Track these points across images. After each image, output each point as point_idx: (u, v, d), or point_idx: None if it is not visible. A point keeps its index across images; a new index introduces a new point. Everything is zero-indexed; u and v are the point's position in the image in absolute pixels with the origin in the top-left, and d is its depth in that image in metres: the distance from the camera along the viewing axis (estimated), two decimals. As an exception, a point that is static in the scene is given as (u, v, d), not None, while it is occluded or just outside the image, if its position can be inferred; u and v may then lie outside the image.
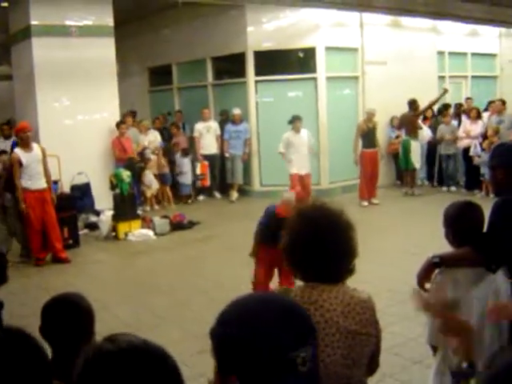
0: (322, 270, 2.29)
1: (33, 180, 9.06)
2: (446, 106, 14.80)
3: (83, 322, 2.55)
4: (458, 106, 15.29)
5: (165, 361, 1.37)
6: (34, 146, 9.22)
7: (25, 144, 9.06)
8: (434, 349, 3.32)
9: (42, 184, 9.17)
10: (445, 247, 3.44)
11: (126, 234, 10.65)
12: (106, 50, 12.48)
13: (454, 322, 2.35)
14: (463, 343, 2.30)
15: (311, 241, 2.27)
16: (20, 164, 8.94)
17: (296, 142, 11.85)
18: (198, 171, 13.93)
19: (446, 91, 13.73)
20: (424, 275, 3.30)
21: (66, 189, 11.42)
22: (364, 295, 2.35)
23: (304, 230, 2.31)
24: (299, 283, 2.35)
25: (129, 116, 13.64)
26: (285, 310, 1.56)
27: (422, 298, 3.17)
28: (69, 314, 2.53)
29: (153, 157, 13.22)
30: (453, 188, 13.89)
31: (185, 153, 13.91)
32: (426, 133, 13.99)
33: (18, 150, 9.08)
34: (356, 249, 2.35)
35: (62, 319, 2.51)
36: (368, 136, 12.62)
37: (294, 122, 11.84)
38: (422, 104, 13.47)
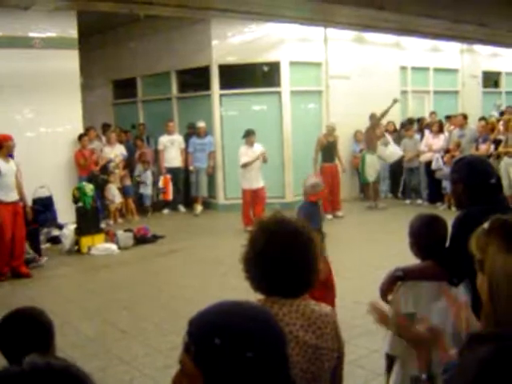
0: (281, 283, 2.26)
1: (7, 192, 8.86)
2: (410, 121, 15.04)
3: (42, 336, 2.50)
4: (421, 120, 15.51)
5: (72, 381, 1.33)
6: (10, 158, 9.04)
7: (4, 154, 8.86)
8: (392, 359, 3.34)
9: (14, 196, 9.00)
10: (409, 260, 3.47)
11: (89, 248, 10.52)
12: (69, 62, 12.36)
13: (410, 334, 2.37)
14: (420, 354, 2.32)
15: (271, 254, 2.23)
16: None
17: (250, 156, 11.81)
18: (160, 184, 13.87)
19: (395, 101, 13.89)
20: (387, 288, 3.32)
21: (28, 202, 11.23)
22: (325, 309, 2.34)
23: (263, 242, 2.26)
24: (259, 297, 2.32)
25: (92, 129, 13.53)
26: (260, 314, 1.55)
27: (380, 312, 3.21)
28: (27, 329, 2.48)
29: (117, 170, 13.12)
30: (419, 201, 14.06)
31: (146, 166, 13.86)
32: (394, 150, 14.07)
33: None
34: (316, 263, 2.31)
35: (19, 334, 2.46)
36: (328, 150, 12.71)
37: (248, 136, 11.79)
38: (384, 119, 13.66)
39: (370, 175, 13.69)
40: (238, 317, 1.50)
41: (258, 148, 11.92)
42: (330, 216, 12.51)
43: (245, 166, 11.75)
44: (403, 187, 14.83)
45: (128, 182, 13.51)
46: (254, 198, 11.75)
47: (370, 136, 13.64)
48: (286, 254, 2.23)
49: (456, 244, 3.19)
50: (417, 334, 3.02)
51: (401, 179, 14.92)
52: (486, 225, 1.72)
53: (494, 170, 3.59)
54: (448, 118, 15.37)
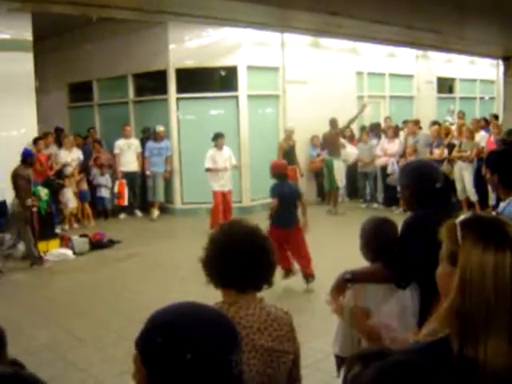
0: (240, 278, 2.33)
1: None
2: (363, 127, 15.26)
3: None
4: (376, 125, 15.64)
5: None
6: None
7: None
8: (342, 360, 3.37)
9: None
10: (363, 263, 3.52)
11: (44, 254, 10.37)
12: (24, 64, 12.17)
13: (365, 326, 2.41)
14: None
15: (229, 250, 2.34)
16: None
17: (219, 159, 11.85)
18: (116, 189, 13.76)
19: (364, 107, 14.06)
20: (337, 291, 3.37)
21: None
22: (281, 312, 2.39)
23: (223, 240, 2.40)
24: (218, 300, 2.36)
25: (50, 134, 13.34)
26: (212, 316, 1.57)
27: (337, 302, 3.26)
28: None
29: (73, 175, 12.98)
30: (375, 205, 14.23)
31: (102, 170, 13.76)
32: (351, 151, 14.25)
33: None
34: (273, 261, 2.42)
35: None
36: (288, 154, 12.77)
37: (217, 139, 11.85)
38: (342, 123, 13.76)
39: (340, 180, 13.80)
40: (186, 318, 1.51)
41: (226, 151, 11.94)
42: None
43: (208, 170, 11.79)
44: (358, 191, 15.06)
45: (84, 187, 13.36)
46: (223, 200, 11.80)
47: (335, 141, 13.70)
48: (245, 250, 2.34)
49: (404, 247, 3.25)
50: (371, 327, 3.07)
51: (355, 183, 15.14)
52: (461, 217, 1.76)
53: (440, 175, 3.65)
54: (406, 122, 15.59)
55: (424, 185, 3.41)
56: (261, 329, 2.27)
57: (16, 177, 9.68)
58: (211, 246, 2.41)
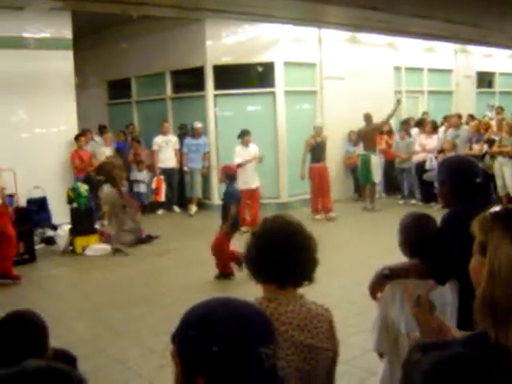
0: (281, 274, 2.34)
1: None
2: (406, 121, 15.06)
3: (35, 338, 2.52)
4: (408, 120, 15.40)
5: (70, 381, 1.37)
6: None
7: None
8: (381, 356, 3.37)
9: None
10: (401, 259, 3.49)
11: (84, 249, 10.53)
12: (63, 62, 12.36)
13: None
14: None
15: (270, 246, 2.34)
16: None
17: (245, 156, 11.85)
18: (153, 185, 13.89)
19: (399, 101, 13.92)
20: (375, 287, 3.35)
21: (23, 203, 11.23)
22: (321, 309, 2.39)
23: (264, 236, 2.40)
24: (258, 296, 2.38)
25: (89, 131, 13.54)
26: (246, 311, 1.59)
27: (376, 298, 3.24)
28: (20, 331, 2.50)
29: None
30: (413, 201, 14.10)
31: (141, 166, 13.91)
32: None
33: None
34: (314, 258, 2.42)
35: (13, 336, 2.48)
36: (316, 151, 12.67)
37: (244, 136, 11.86)
38: (378, 118, 13.65)
39: (377, 176, 13.72)
40: (217, 312, 1.55)
41: (253, 148, 11.95)
42: (318, 216, 12.51)
43: (239, 166, 11.79)
44: (397, 187, 14.92)
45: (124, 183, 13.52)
46: (249, 198, 11.80)
47: (371, 136, 13.62)
48: (286, 246, 2.34)
49: (442, 243, 3.21)
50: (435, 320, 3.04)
51: (393, 179, 15.02)
52: (492, 210, 1.77)
53: (480, 170, 3.61)
54: (446, 118, 15.38)
55: (463, 179, 3.36)
56: (300, 325, 2.28)
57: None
58: (253, 241, 2.42)
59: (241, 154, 11.81)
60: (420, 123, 15.12)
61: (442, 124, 15.28)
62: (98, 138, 14.04)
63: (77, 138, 12.38)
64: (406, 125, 14.93)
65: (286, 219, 2.47)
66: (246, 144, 11.86)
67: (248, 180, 11.78)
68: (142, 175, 14.03)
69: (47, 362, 1.41)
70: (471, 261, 1.82)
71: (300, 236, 2.40)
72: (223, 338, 1.48)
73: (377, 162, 13.78)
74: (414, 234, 3.36)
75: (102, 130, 14.79)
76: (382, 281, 3.32)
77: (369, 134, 13.60)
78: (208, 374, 1.48)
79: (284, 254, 2.32)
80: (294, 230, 2.41)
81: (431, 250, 3.23)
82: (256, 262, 2.39)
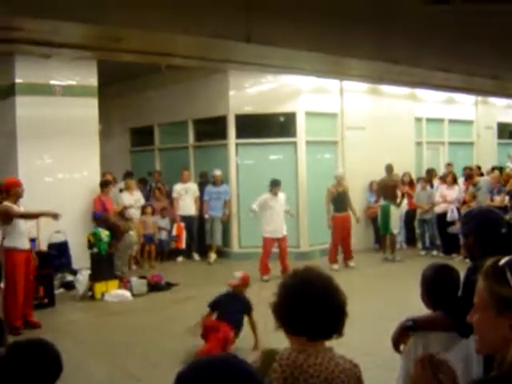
0: (314, 327, 2.34)
1: (21, 239, 8.56)
2: (429, 171, 15.07)
3: (55, 368, 2.50)
4: (431, 171, 15.41)
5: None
6: (19, 204, 8.76)
7: (15, 200, 8.60)
8: None
9: (27, 243, 8.73)
10: (423, 311, 3.46)
11: (103, 294, 10.53)
12: (89, 109, 12.57)
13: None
14: None
15: (304, 298, 2.34)
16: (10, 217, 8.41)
17: (273, 204, 11.88)
18: (174, 232, 13.93)
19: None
20: (398, 338, 3.32)
21: (44, 247, 11.29)
22: (350, 364, 2.38)
23: (297, 287, 2.40)
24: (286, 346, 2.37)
25: (108, 173, 13.56)
26: (242, 375, 1.56)
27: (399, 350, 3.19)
28: (38, 360, 2.48)
29: (136, 217, 13.25)
30: (434, 252, 13.98)
31: (164, 213, 14.02)
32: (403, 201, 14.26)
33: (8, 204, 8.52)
34: (345, 311, 2.44)
35: (29, 364, 2.45)
36: (338, 200, 12.70)
37: (274, 186, 11.91)
38: (399, 170, 13.66)
39: (395, 227, 13.68)
40: (204, 373, 1.55)
41: (281, 197, 11.99)
42: (336, 266, 12.46)
43: (252, 211, 11.88)
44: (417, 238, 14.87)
45: (151, 231, 13.60)
46: (278, 246, 11.89)
47: (392, 188, 13.64)
48: (320, 299, 2.35)
49: (467, 295, 3.18)
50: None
51: (414, 230, 14.97)
52: (504, 260, 1.75)
53: (504, 221, 3.59)
54: (466, 169, 15.33)
55: (489, 230, 3.34)
56: (328, 379, 2.26)
57: None
58: (284, 291, 2.42)
59: (267, 203, 11.86)
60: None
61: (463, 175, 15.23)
62: (121, 183, 14.09)
63: (103, 184, 12.44)
64: (428, 175, 14.93)
65: (318, 271, 2.47)
66: (274, 194, 11.92)
67: (276, 228, 11.82)
68: (165, 222, 14.11)
69: None
70: (477, 317, 1.78)
71: (333, 289, 2.41)
72: None
73: (396, 213, 13.74)
74: (436, 286, 3.33)
75: (128, 176, 14.45)
76: (405, 333, 3.29)
77: (389, 185, 13.61)
78: None
79: (318, 307, 2.32)
80: (327, 283, 2.41)
81: (454, 303, 3.20)
82: (287, 313, 2.38)
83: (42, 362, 2.47)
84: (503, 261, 1.75)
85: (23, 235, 8.65)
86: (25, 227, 8.72)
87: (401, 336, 3.31)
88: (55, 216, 9.03)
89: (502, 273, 1.72)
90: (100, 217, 12.11)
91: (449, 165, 15.63)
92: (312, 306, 2.32)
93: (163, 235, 14.08)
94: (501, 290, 1.70)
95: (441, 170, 16.16)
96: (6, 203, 8.57)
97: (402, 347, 3.32)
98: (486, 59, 10.85)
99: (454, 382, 1.98)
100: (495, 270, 1.74)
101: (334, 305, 2.36)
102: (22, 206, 8.86)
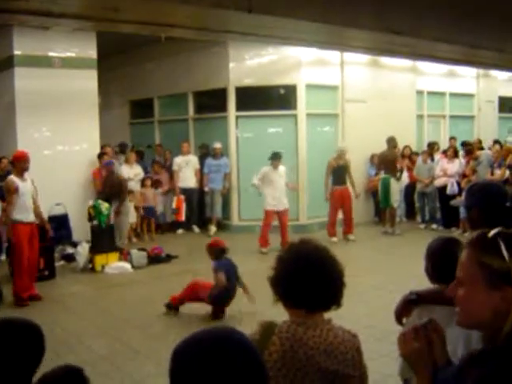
0: (311, 299, 2.33)
1: (24, 212, 8.58)
2: (430, 145, 15.01)
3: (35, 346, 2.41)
4: (432, 145, 15.36)
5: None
6: (27, 177, 8.77)
7: (21, 173, 8.60)
8: (407, 382, 3.32)
9: (32, 217, 8.75)
10: (423, 284, 3.45)
11: (103, 267, 10.56)
12: (88, 81, 12.51)
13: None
14: None
15: (301, 270, 2.33)
16: (15, 192, 8.46)
17: (274, 177, 11.85)
18: (174, 205, 13.93)
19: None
20: (401, 311, 3.31)
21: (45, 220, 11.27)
22: (348, 334, 2.38)
23: (293, 260, 2.38)
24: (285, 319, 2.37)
25: (109, 147, 13.55)
26: (240, 349, 1.54)
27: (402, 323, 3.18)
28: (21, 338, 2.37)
29: (136, 189, 13.24)
30: (433, 226, 13.99)
31: (156, 186, 14.03)
32: (404, 175, 14.24)
33: (14, 177, 8.59)
34: (343, 281, 2.41)
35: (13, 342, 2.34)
36: (338, 173, 12.67)
37: (275, 159, 11.85)
38: (400, 142, 13.61)
39: (395, 200, 13.67)
40: (200, 347, 1.55)
41: (281, 170, 11.96)
42: (334, 239, 12.44)
43: (254, 186, 11.86)
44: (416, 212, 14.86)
45: (153, 203, 13.61)
46: (279, 219, 11.88)
47: (393, 161, 13.61)
48: (317, 271, 2.33)
49: None
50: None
51: (413, 203, 14.98)
52: (494, 232, 1.72)
53: (509, 194, 3.57)
54: (463, 144, 15.24)
55: (493, 203, 3.33)
56: (327, 351, 2.26)
57: None
58: (281, 265, 2.40)
59: (268, 176, 11.82)
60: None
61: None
62: (121, 157, 14.05)
63: (100, 156, 12.45)
64: (430, 148, 14.88)
65: (314, 244, 2.45)
66: (275, 167, 11.87)
67: (277, 201, 11.83)
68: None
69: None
70: (461, 292, 1.76)
71: (330, 261, 2.39)
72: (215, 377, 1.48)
73: (396, 186, 13.72)
74: (442, 259, 3.31)
75: (122, 148, 14.52)
76: (408, 306, 3.29)
77: (390, 158, 13.57)
78: None
79: (316, 279, 2.31)
80: (323, 255, 2.40)
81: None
82: (285, 287, 2.37)
83: (23, 344, 2.35)
84: (493, 232, 1.71)
85: (25, 209, 8.66)
86: (28, 201, 8.70)
87: (404, 309, 3.30)
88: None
89: (494, 244, 1.67)
90: (108, 164, 12.05)
91: (453, 139, 15.56)
92: (309, 277, 2.30)
93: (159, 208, 14.12)
94: (492, 261, 1.66)
95: (441, 144, 16.10)
96: (12, 177, 8.66)
97: (404, 320, 3.31)
98: (492, 31, 10.72)
99: (443, 341, 1.96)
100: (485, 241, 1.70)
101: (331, 276, 2.35)
102: (29, 179, 8.85)
